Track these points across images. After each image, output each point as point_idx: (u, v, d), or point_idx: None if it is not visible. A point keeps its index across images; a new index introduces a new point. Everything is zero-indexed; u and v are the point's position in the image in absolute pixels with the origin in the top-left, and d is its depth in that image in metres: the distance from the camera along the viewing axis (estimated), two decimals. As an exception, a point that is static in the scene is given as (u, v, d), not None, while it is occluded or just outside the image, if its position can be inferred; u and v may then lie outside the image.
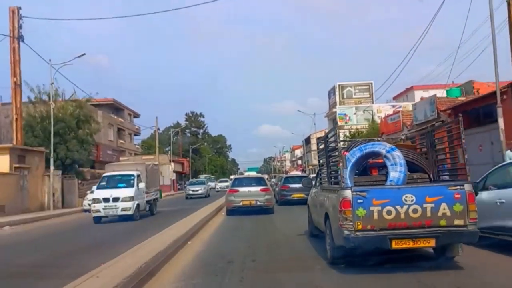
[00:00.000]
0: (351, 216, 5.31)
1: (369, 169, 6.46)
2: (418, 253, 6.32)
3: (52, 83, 23.45)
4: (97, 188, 15.83)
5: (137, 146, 55.96)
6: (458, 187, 5.39)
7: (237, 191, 15.60)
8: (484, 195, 6.71)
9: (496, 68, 12.31)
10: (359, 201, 5.32)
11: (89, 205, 19.16)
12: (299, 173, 42.37)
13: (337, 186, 5.97)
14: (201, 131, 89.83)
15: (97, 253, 8.06)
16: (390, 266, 5.56)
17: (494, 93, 12.78)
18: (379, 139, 7.46)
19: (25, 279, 6.34)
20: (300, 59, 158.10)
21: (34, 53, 21.19)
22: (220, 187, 43.01)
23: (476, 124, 15.87)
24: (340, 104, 45.56)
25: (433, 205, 5.28)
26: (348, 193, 5.39)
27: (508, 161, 9.24)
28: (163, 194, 32.59)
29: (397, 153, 5.97)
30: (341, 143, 6.54)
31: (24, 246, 10.27)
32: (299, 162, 79.58)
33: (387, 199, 5.31)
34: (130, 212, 14.72)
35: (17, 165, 20.20)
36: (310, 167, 56.79)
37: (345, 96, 47.39)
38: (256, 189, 15.64)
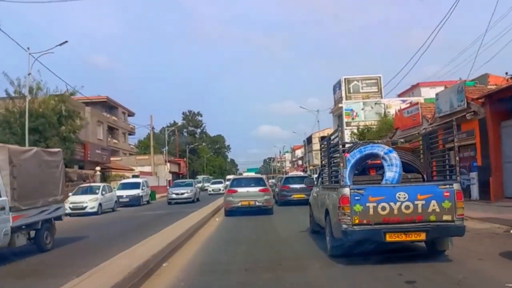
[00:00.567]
0: (349, 211, 6.46)
1: (368, 169, 7.67)
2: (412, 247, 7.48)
3: (29, 73, 23.01)
4: None
5: (131, 146, 57.13)
6: (448, 186, 6.54)
7: (236, 191, 16.51)
8: None
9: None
10: (356, 198, 6.46)
11: (70, 208, 19.71)
12: (301, 173, 43.21)
13: (337, 185, 7.14)
14: (199, 130, 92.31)
15: None
16: (385, 258, 6.69)
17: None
18: (378, 141, 8.58)
19: None
20: (300, 59, 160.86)
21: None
22: (213, 190, 41.06)
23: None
24: (346, 99, 46.18)
25: (423, 202, 6.43)
26: (346, 191, 6.54)
27: None
28: (157, 196, 33.77)
29: (394, 155, 7.11)
30: (341, 145, 7.67)
31: None
32: (300, 162, 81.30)
33: (382, 196, 6.45)
34: None
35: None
36: (312, 167, 58.03)
37: (351, 91, 47.95)
38: (255, 189, 16.60)
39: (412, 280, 5.62)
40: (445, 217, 6.45)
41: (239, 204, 16.14)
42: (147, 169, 43.90)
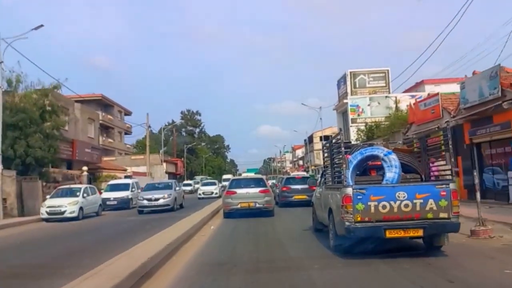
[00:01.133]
0: (351, 210, 7.55)
1: (369, 170, 8.82)
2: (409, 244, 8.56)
3: (1, 61, 22.12)
4: None
5: (128, 146, 58.14)
6: (444, 185, 7.64)
7: (235, 192, 17.08)
8: None
9: None
10: (358, 197, 7.55)
11: (47, 213, 20.08)
12: (304, 173, 44.10)
13: (340, 185, 8.23)
14: (198, 130, 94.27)
15: None
16: (385, 255, 7.76)
17: None
18: (378, 143, 9.69)
19: None
20: (300, 59, 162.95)
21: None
22: (204, 193, 37.84)
23: None
24: (352, 94, 46.94)
25: (422, 201, 7.53)
26: (349, 190, 7.63)
27: None
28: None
29: (393, 156, 8.20)
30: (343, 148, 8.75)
31: None
32: (301, 162, 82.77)
33: (383, 196, 7.55)
34: None
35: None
36: (313, 167, 59.16)
37: (357, 85, 48.61)
38: (255, 190, 17.16)
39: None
40: (441, 215, 7.54)
41: (239, 206, 16.69)
42: (142, 169, 44.86)
